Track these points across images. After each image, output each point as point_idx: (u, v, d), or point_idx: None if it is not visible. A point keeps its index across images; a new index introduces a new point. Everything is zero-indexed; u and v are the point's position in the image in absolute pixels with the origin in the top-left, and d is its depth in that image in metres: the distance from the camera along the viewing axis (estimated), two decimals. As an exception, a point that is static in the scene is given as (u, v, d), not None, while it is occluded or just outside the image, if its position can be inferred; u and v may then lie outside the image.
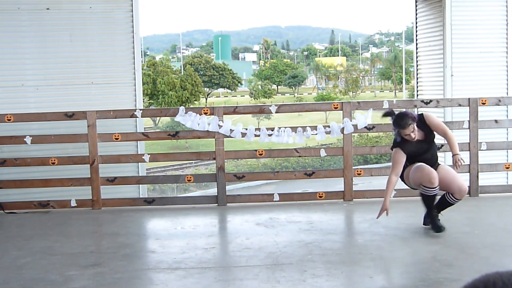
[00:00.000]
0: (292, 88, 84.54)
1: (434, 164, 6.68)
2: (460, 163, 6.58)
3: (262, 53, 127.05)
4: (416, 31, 11.89)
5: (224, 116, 8.51)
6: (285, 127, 8.52)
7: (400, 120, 6.43)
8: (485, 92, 9.99)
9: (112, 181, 8.60)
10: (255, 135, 8.52)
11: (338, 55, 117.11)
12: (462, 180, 6.75)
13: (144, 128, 10.83)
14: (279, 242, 6.42)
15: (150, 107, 46.64)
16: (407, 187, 6.99)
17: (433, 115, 6.82)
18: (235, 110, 9.29)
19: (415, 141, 6.51)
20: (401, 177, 6.71)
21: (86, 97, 9.53)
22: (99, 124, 8.47)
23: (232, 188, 24.37)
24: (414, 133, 6.42)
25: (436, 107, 10.22)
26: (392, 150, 6.65)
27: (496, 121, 8.94)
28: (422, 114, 6.66)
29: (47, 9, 9.44)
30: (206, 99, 68.30)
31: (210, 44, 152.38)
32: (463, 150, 8.72)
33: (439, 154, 9.94)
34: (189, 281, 5.26)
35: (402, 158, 6.53)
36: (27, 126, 8.96)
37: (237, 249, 6.26)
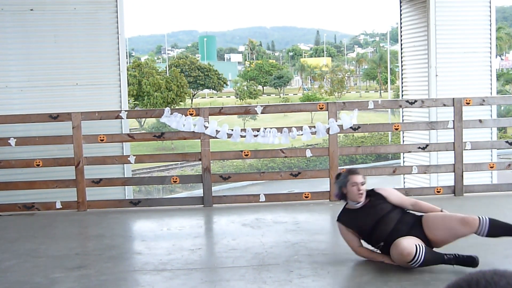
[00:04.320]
0: (277, 88, 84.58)
1: (409, 229, 5.35)
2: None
3: (248, 53, 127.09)
4: (401, 32, 11.95)
5: (209, 117, 8.50)
6: (271, 128, 8.53)
7: (352, 169, 5.75)
8: (469, 92, 10.05)
9: (97, 182, 8.56)
10: (241, 136, 8.52)
11: (324, 56, 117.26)
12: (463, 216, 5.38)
13: (130, 129, 10.79)
14: (265, 243, 6.42)
15: (135, 108, 46.48)
16: (394, 187, 6.93)
17: (340, 228, 5.64)
18: (220, 111, 9.29)
19: (361, 207, 5.52)
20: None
21: (71, 98, 9.49)
22: (84, 125, 8.42)
23: (218, 189, 24.38)
24: (362, 188, 5.48)
25: (421, 107, 10.28)
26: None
27: (480, 120, 9.00)
28: (372, 189, 5.62)
29: (31, 10, 9.39)
30: (192, 100, 68.18)
31: (195, 45, 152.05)
32: (448, 149, 8.78)
33: (423, 154, 9.94)
34: (175, 282, 5.25)
35: (346, 236, 5.62)
36: (11, 128, 8.90)
37: (224, 250, 6.26)
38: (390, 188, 5.74)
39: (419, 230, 5.33)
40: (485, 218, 5.22)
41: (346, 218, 5.58)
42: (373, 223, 5.40)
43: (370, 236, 5.47)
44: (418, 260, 5.05)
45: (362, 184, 5.46)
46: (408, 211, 5.54)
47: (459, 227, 5.21)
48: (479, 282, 1.20)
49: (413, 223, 5.37)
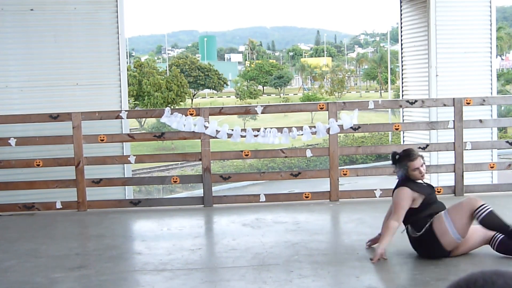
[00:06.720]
0: (278, 88, 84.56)
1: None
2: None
3: (248, 53, 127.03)
4: (401, 32, 11.94)
5: (210, 117, 8.50)
6: (271, 128, 8.52)
7: (408, 152, 5.73)
8: (469, 92, 10.05)
9: (97, 182, 8.56)
10: (241, 136, 8.51)
11: (324, 56, 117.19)
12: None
13: (130, 129, 10.79)
14: (266, 243, 6.41)
15: (136, 108, 46.46)
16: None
17: (404, 190, 5.60)
18: (221, 111, 9.29)
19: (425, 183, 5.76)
20: (430, 238, 5.51)
21: (71, 98, 9.48)
22: (84, 125, 8.42)
23: (218, 189, 24.39)
24: (423, 168, 5.66)
25: (421, 107, 10.28)
26: (394, 191, 5.75)
27: (480, 120, 8.99)
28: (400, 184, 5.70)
29: (31, 10, 9.38)
30: (192, 100, 68.17)
31: (195, 44, 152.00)
32: (448, 149, 8.77)
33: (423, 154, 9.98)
34: (175, 282, 5.24)
35: (407, 200, 5.57)
36: (11, 128, 8.89)
37: (224, 250, 6.25)
38: (400, 194, 5.62)
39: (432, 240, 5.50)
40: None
41: (412, 185, 5.64)
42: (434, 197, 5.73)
43: (426, 207, 5.59)
44: (485, 208, 5.29)
45: (422, 165, 5.66)
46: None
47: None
48: (477, 281, 1.21)
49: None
